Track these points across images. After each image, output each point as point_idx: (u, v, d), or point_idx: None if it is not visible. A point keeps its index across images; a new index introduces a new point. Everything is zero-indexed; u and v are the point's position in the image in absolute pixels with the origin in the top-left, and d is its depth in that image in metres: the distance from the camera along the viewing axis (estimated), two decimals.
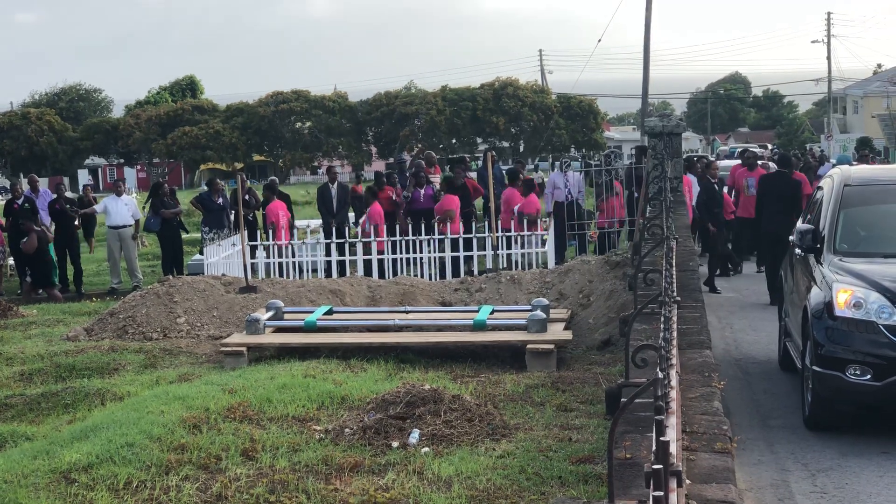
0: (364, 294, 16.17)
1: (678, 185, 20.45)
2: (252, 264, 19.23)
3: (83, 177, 78.24)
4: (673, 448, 3.94)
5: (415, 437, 9.25)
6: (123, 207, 22.91)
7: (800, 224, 12.66)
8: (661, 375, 4.00)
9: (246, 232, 18.68)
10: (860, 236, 11.49)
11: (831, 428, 10.42)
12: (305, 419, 10.11)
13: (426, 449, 9.01)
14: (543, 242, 20.77)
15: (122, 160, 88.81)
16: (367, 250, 20.53)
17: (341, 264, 20.52)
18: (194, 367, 13.14)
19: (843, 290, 10.14)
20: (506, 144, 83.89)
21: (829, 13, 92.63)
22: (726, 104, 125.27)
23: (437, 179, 24.63)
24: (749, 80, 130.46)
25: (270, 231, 20.90)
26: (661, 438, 3.62)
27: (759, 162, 24.85)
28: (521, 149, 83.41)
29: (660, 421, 3.75)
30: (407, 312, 14.69)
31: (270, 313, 14.32)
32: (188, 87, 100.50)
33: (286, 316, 14.51)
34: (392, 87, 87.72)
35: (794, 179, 20.18)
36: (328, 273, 20.25)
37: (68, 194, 27.58)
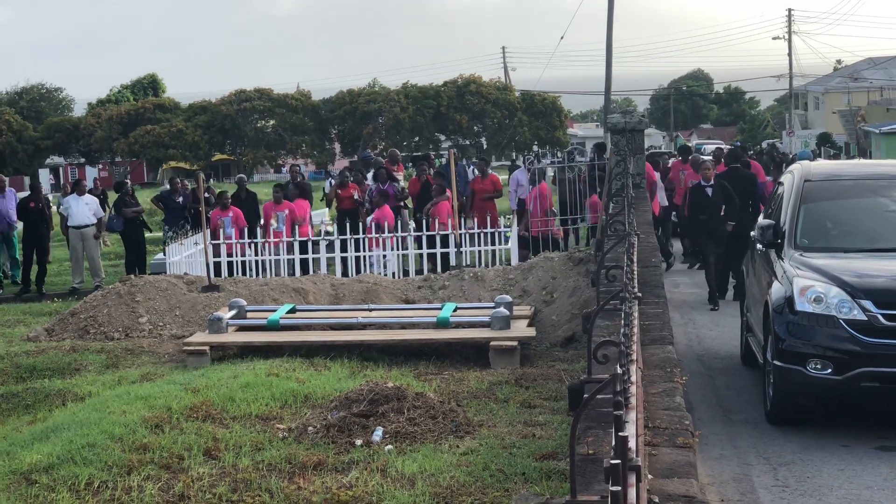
0: (327, 292, 16.13)
1: (640, 181, 20.52)
2: (214, 263, 19.15)
3: (44, 176, 77.65)
4: (632, 443, 3.95)
5: (378, 434, 9.24)
6: (85, 207, 22.74)
7: (761, 219, 12.72)
8: (620, 371, 4.01)
9: (208, 231, 18.60)
10: (820, 231, 11.57)
11: (793, 422, 10.48)
12: (269, 418, 10.09)
13: (389, 447, 9.01)
14: (506, 239, 20.79)
15: (83, 159, 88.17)
16: (329, 248, 20.47)
17: (304, 262, 20.45)
18: (156, 366, 13.08)
19: (804, 284, 10.20)
20: (468, 142, 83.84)
21: (789, 9, 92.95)
22: (689, 100, 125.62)
23: (400, 177, 24.59)
24: (711, 77, 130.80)
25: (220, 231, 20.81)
26: (620, 433, 3.63)
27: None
28: (485, 146, 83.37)
29: (618, 416, 3.76)
30: (370, 310, 14.68)
31: (233, 312, 14.27)
32: (150, 85, 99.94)
33: (249, 314, 14.46)
34: (355, 86, 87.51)
35: (749, 173, 20.26)
36: (291, 271, 20.17)
37: (23, 193, 27.34)
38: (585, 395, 6.98)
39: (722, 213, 18.30)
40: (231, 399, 10.53)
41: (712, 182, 18.63)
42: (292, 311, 14.59)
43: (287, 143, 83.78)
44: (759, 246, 12.07)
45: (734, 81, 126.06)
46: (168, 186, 25.24)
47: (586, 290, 14.42)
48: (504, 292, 15.49)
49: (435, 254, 20.28)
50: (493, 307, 13.79)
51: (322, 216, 27.39)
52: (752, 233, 12.69)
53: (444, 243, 20.24)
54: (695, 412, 10.49)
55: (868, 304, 9.86)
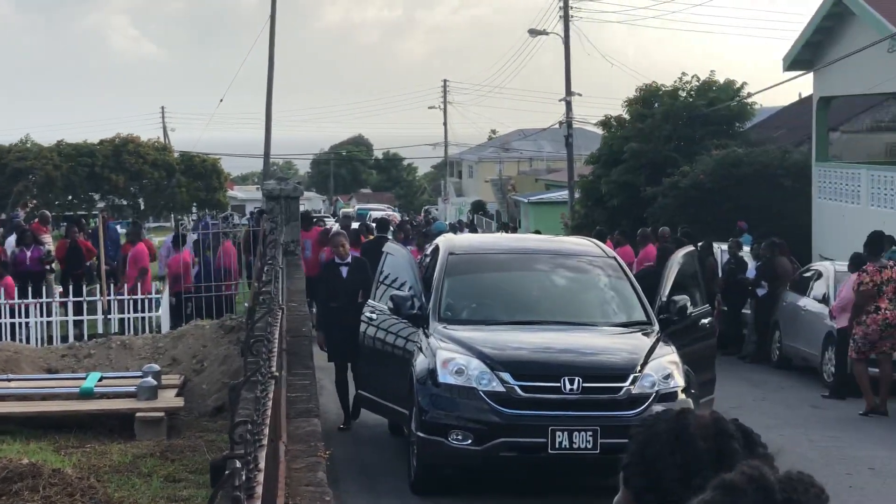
0: None
1: (295, 248, 20.57)
2: None
3: None
4: None
5: None
6: None
7: (396, 291, 12.36)
8: (238, 465, 3.97)
9: None
10: (463, 304, 11.86)
11: (436, 492, 10.67)
12: None
13: None
14: (157, 306, 20.39)
15: None
16: None
17: None
18: None
19: (447, 357, 10.43)
20: (126, 202, 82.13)
21: (445, 80, 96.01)
22: (349, 165, 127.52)
23: (48, 240, 23.72)
24: (371, 143, 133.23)
25: None
26: None
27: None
28: (142, 206, 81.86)
29: None
30: (9, 381, 14.04)
31: None
32: None
33: None
34: (6, 142, 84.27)
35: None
36: None
37: None
38: (227, 472, 6.87)
39: (360, 300, 14.01)
40: None
41: (349, 259, 14.63)
42: None
43: None
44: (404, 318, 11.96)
45: (393, 147, 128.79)
46: None
47: (237, 358, 14.26)
48: (153, 361, 15.14)
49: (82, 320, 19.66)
50: (141, 377, 13.46)
51: None
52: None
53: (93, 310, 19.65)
54: (340, 484, 10.52)
55: (506, 375, 10.17)
